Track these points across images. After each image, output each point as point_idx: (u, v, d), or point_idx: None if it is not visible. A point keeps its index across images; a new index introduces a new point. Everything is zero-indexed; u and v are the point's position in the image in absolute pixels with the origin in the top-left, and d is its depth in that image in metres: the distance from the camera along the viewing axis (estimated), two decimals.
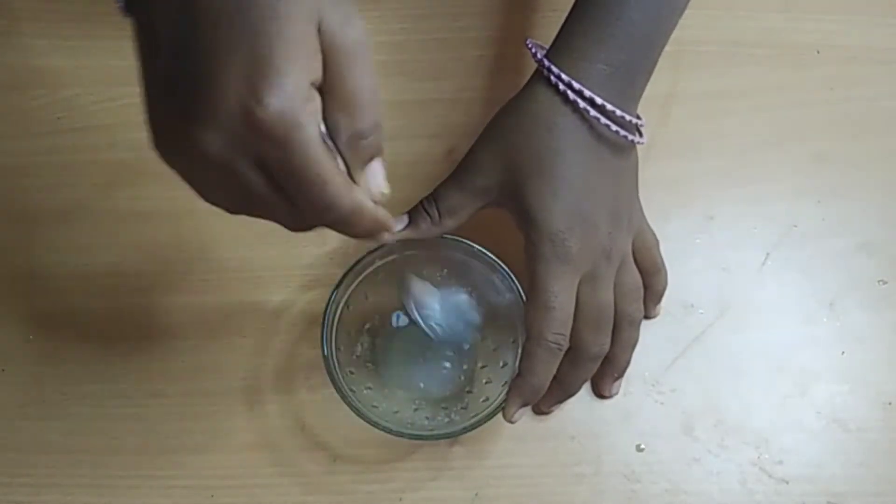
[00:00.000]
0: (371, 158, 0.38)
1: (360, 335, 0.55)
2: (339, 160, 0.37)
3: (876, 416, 0.55)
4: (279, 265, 0.58)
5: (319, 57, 0.35)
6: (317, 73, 0.35)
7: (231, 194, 0.37)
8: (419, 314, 0.51)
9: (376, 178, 0.38)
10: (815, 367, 0.56)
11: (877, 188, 0.61)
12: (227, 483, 0.54)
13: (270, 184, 0.36)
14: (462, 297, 0.52)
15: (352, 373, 0.53)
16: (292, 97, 0.33)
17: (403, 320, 0.55)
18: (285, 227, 0.39)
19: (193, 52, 0.34)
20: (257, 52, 0.33)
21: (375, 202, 0.38)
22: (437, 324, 0.51)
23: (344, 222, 0.37)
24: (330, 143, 0.36)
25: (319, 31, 0.35)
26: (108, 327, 0.57)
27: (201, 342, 0.56)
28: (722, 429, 0.55)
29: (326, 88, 0.35)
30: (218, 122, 0.34)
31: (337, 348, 0.52)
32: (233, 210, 0.38)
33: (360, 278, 0.53)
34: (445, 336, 0.51)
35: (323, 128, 0.36)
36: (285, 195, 0.36)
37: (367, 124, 0.36)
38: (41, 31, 0.63)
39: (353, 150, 0.37)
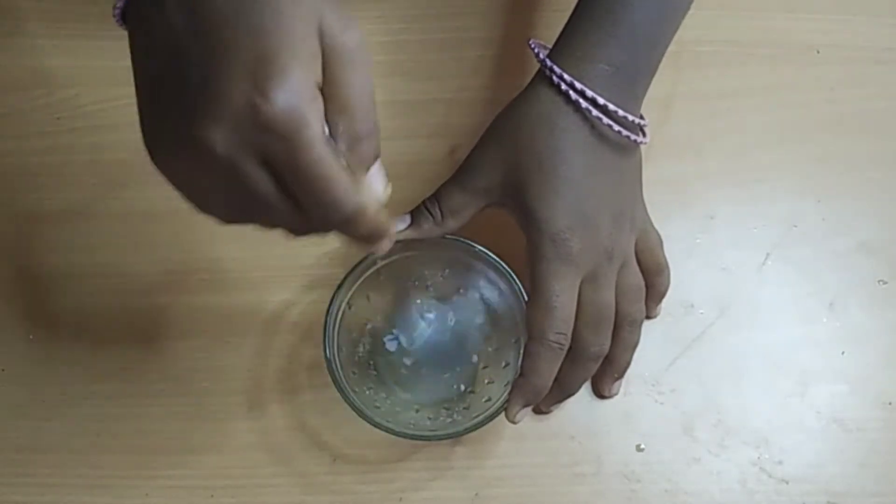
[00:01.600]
0: (371, 161, 0.38)
1: (361, 336, 0.55)
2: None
3: (876, 416, 0.55)
4: (280, 265, 0.57)
5: (320, 58, 0.35)
6: (318, 74, 0.35)
7: (232, 198, 0.37)
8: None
9: (377, 180, 0.38)
10: (815, 367, 0.56)
11: (877, 188, 0.61)
12: (227, 483, 0.54)
13: (275, 183, 0.35)
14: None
15: (354, 373, 0.53)
16: (298, 94, 0.33)
17: (392, 345, 0.55)
18: (287, 230, 0.38)
19: (195, 54, 0.34)
20: (261, 50, 0.33)
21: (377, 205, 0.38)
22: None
23: (347, 223, 0.37)
24: (332, 144, 0.36)
25: (320, 34, 0.35)
26: (108, 327, 0.57)
27: (201, 342, 0.56)
28: (722, 429, 0.55)
29: (325, 91, 0.35)
30: (223, 120, 0.33)
31: (339, 349, 0.52)
32: (230, 218, 0.38)
33: (362, 279, 0.53)
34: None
35: (326, 129, 0.36)
36: (289, 195, 0.36)
37: (366, 127, 0.36)
38: (41, 31, 0.63)
39: (352, 153, 0.37)
